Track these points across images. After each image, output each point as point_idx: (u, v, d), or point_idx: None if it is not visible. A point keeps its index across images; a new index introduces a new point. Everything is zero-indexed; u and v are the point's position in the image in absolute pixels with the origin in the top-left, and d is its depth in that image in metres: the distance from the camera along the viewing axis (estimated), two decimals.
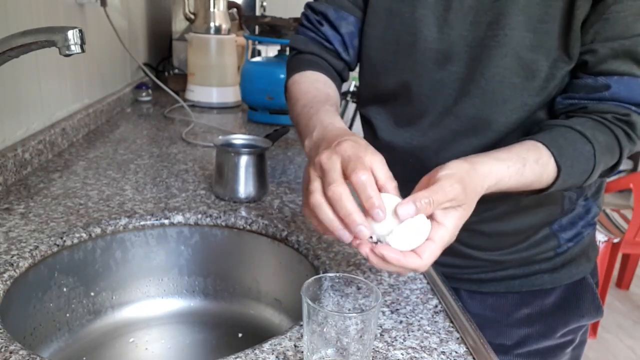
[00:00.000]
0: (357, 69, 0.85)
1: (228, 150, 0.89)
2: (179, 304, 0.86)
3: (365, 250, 0.51)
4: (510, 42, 0.65)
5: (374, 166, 0.51)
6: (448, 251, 0.79)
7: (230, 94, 1.75)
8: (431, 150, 0.74)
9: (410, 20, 0.71)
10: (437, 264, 0.73)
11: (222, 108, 1.74)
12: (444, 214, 0.52)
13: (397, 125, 0.77)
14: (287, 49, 1.55)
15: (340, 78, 0.82)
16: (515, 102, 0.67)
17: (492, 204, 0.72)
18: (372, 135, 0.82)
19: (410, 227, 0.50)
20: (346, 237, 0.50)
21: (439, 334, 0.57)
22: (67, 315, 0.74)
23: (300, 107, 0.69)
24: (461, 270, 0.81)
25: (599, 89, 0.64)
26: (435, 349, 0.55)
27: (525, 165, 0.58)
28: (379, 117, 0.80)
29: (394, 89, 0.76)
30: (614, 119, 0.64)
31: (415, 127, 0.75)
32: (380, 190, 0.51)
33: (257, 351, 0.53)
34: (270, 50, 2.38)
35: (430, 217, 0.52)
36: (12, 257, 0.66)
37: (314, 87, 0.72)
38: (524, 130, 0.70)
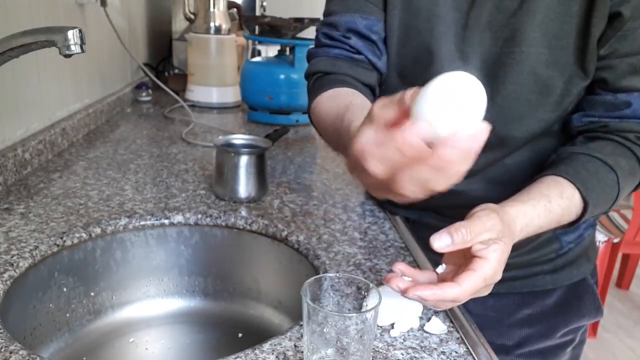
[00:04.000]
0: None
1: (228, 150, 0.89)
2: (179, 304, 0.86)
3: (397, 288, 0.49)
4: (527, 59, 0.64)
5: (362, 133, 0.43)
6: None
7: (230, 94, 1.75)
8: None
9: (427, 37, 0.69)
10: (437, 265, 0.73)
11: (222, 108, 1.74)
12: (486, 249, 0.50)
13: None
14: (288, 49, 1.56)
15: (372, 92, 0.75)
16: (531, 118, 0.67)
17: None
18: None
19: None
20: None
21: (439, 334, 0.57)
22: (67, 315, 0.74)
23: (325, 130, 0.67)
24: None
25: (620, 107, 0.63)
26: (435, 349, 0.55)
27: (551, 202, 0.57)
28: None
29: None
30: (636, 139, 0.64)
31: None
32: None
33: (257, 351, 0.53)
34: (270, 50, 2.38)
35: (472, 255, 0.50)
36: (12, 257, 0.66)
37: (335, 104, 0.67)
38: (537, 143, 0.69)
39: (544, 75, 0.64)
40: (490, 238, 0.50)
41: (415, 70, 0.72)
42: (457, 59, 0.69)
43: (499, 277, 0.50)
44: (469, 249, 0.50)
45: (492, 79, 0.67)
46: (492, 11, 0.66)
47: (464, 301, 0.50)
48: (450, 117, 0.37)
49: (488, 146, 0.69)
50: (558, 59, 0.64)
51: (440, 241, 0.47)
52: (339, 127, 0.59)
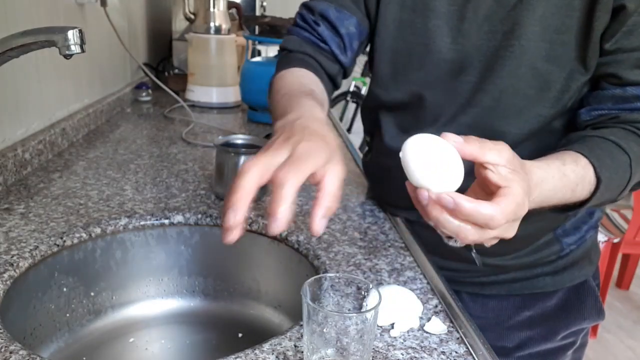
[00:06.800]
0: (359, 73, 0.83)
1: (228, 150, 0.89)
2: (179, 304, 0.86)
3: (425, 201, 0.45)
4: (525, 53, 0.63)
5: (326, 177, 0.45)
6: (451, 256, 0.79)
7: (230, 94, 1.75)
8: None
9: (422, 31, 0.69)
10: (438, 267, 0.73)
11: (222, 108, 1.74)
12: (507, 180, 0.46)
13: (404, 133, 0.76)
14: None
15: (332, 83, 0.78)
16: (529, 113, 0.66)
17: None
18: (379, 141, 0.81)
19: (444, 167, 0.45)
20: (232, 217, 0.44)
21: (439, 334, 0.57)
22: (67, 315, 0.74)
23: (280, 95, 0.64)
24: (463, 274, 0.80)
25: (630, 100, 0.63)
26: (435, 349, 0.55)
27: (565, 165, 0.55)
28: (386, 124, 0.78)
29: (404, 99, 0.74)
30: None
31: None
32: None
33: (257, 351, 0.53)
34: (270, 50, 2.38)
35: (492, 191, 0.47)
36: (12, 257, 0.66)
37: (299, 81, 0.69)
38: (536, 140, 0.68)
39: (544, 70, 0.64)
40: (505, 166, 0.46)
41: (409, 66, 0.72)
42: (453, 53, 0.68)
43: (525, 210, 0.47)
44: (487, 187, 0.47)
45: (490, 72, 0.66)
46: (491, 4, 0.66)
47: (497, 226, 0.45)
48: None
49: (484, 139, 0.69)
50: (558, 53, 0.63)
51: (454, 138, 0.45)
52: (294, 103, 0.59)
